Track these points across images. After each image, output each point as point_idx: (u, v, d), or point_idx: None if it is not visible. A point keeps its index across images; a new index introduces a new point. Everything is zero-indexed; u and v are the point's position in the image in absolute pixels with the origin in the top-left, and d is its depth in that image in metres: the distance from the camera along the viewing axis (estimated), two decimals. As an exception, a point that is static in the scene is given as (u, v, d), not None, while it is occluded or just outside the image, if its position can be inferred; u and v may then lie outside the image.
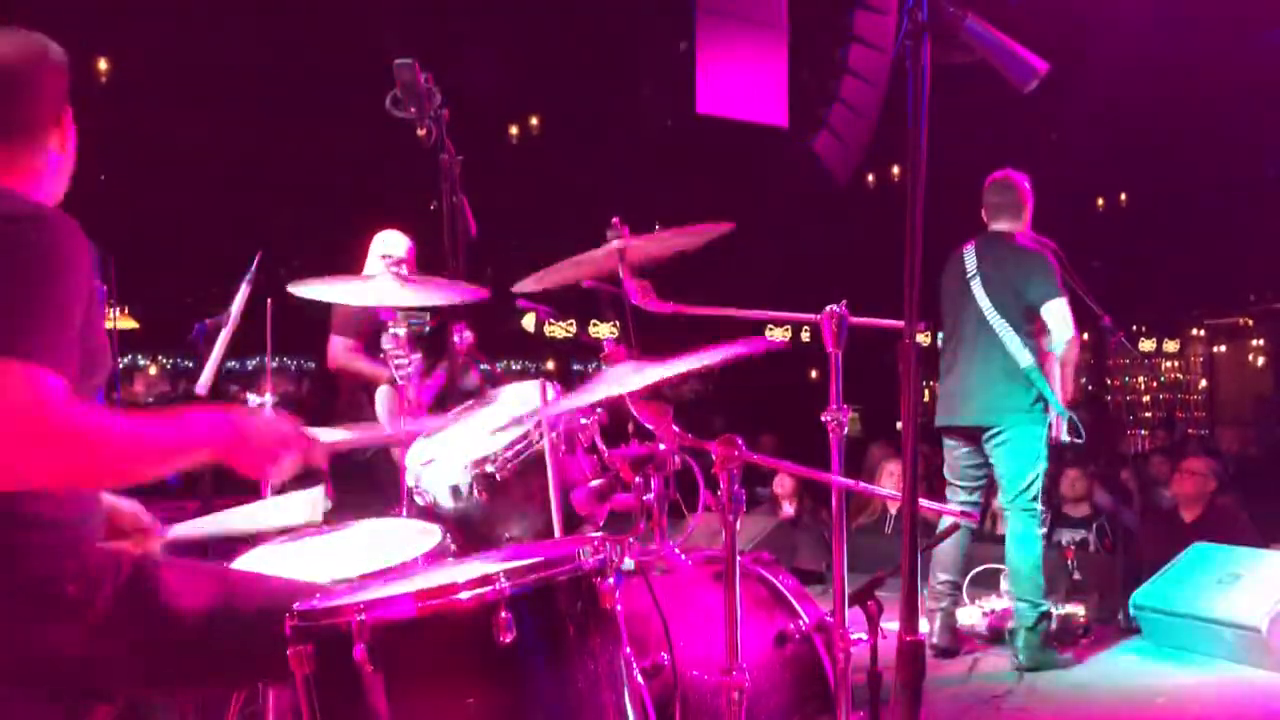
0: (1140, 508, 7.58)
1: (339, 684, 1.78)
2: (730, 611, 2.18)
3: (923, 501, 2.29)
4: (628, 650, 1.95)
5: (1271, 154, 9.12)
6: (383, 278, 2.96)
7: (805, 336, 14.40)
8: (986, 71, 1.82)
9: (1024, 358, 4.75)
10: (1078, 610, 5.30)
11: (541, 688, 1.82)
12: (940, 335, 5.26)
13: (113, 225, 2.16)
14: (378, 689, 1.74)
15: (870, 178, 11.73)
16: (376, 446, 4.18)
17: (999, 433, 4.82)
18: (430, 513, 2.81)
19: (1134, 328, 16.36)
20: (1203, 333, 18.06)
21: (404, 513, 2.91)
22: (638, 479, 2.49)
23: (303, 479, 2.23)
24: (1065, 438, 4.77)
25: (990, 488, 5.16)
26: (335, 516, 2.86)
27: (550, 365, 13.73)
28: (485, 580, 1.77)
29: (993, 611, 5.23)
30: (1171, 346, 18.11)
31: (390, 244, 4.68)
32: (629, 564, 2.40)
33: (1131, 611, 5.24)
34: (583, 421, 2.80)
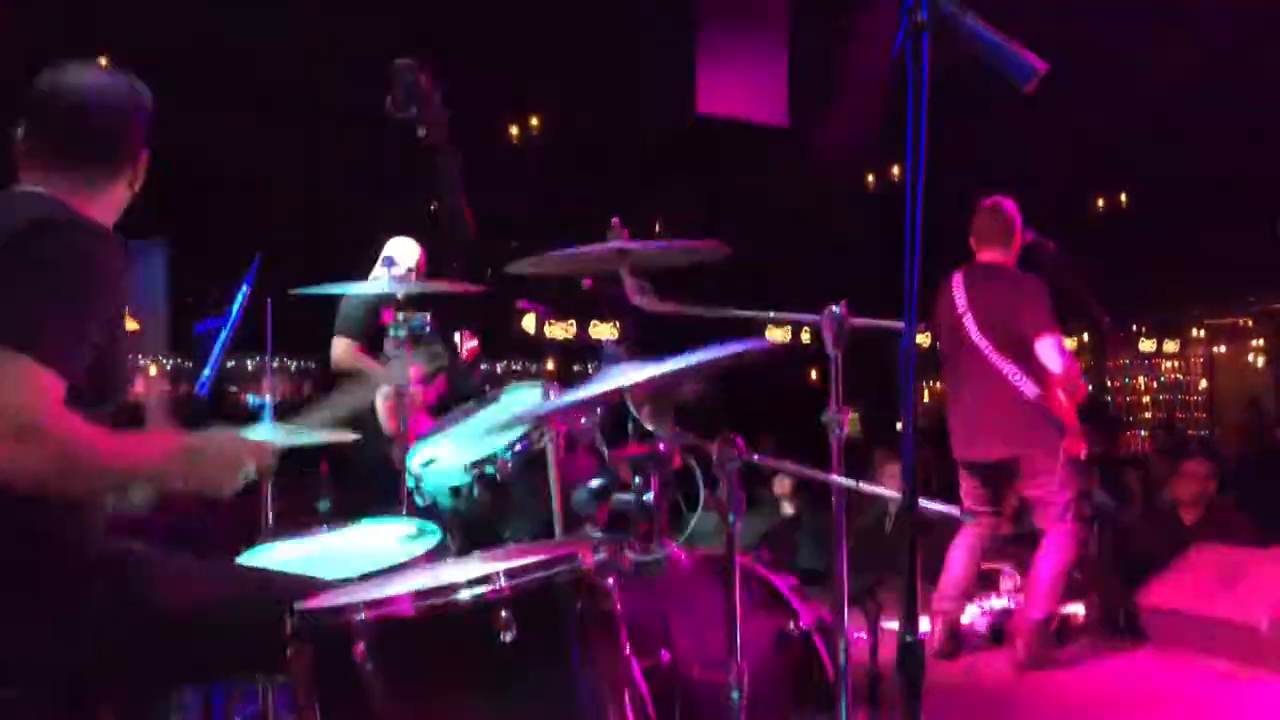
0: (1142, 508, 7.58)
1: (339, 684, 1.78)
2: (730, 611, 2.18)
3: (923, 502, 2.29)
4: (628, 650, 1.95)
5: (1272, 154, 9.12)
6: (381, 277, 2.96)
7: (805, 337, 14.40)
8: (986, 71, 1.82)
9: (1029, 389, 4.73)
10: (1078, 610, 5.29)
11: (541, 688, 1.82)
12: (938, 342, 5.24)
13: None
14: (378, 689, 1.74)
15: (870, 178, 11.72)
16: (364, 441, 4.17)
17: (1024, 465, 4.81)
18: (430, 513, 2.81)
19: (1134, 328, 16.35)
20: (1203, 333, 18.04)
21: (404, 513, 2.91)
22: (638, 479, 2.49)
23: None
24: (1084, 455, 4.78)
25: (1003, 501, 5.18)
26: (335, 516, 2.86)
27: (550, 365, 13.71)
28: (485, 580, 1.77)
29: (993, 611, 5.23)
30: (1171, 346, 18.09)
31: (400, 253, 4.67)
32: (629, 564, 2.40)
33: (1132, 611, 5.24)
34: (583, 422, 2.80)
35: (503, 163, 9.81)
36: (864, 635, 2.57)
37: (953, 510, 4.35)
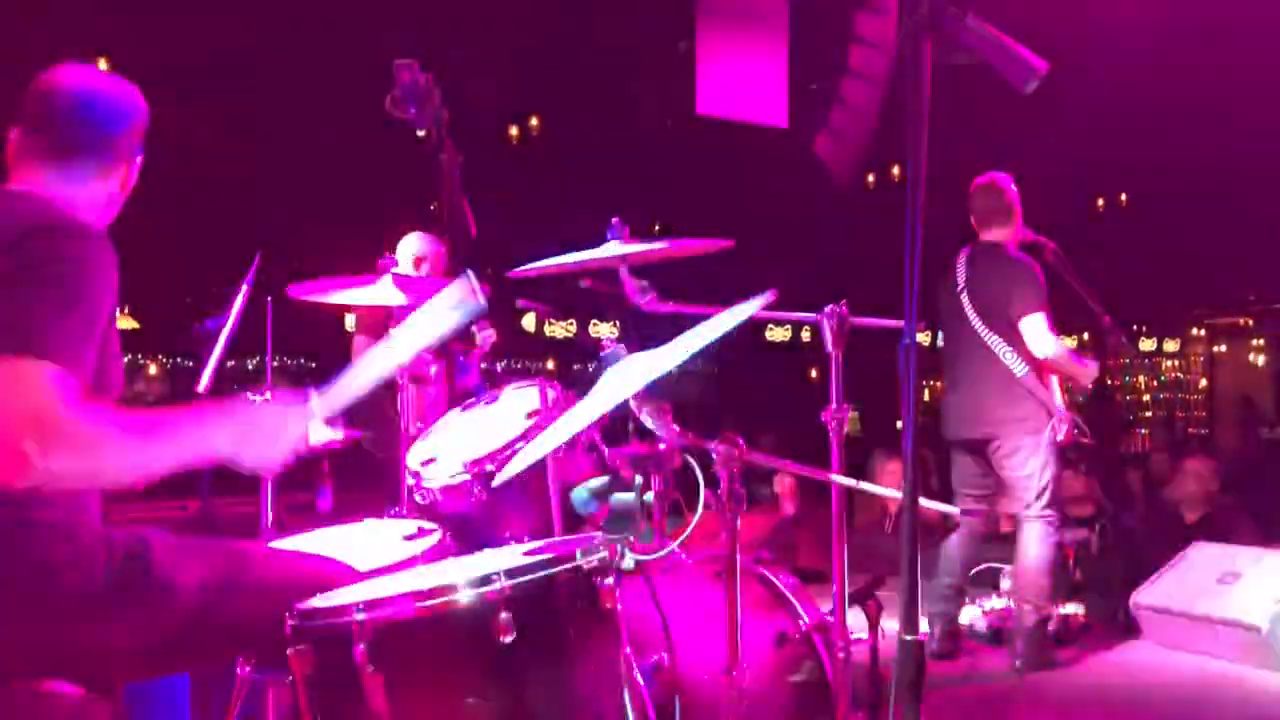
0: (1143, 508, 7.58)
1: (339, 684, 1.78)
2: (730, 611, 2.18)
3: (923, 501, 2.29)
4: (628, 650, 1.95)
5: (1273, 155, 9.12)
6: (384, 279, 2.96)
7: (805, 336, 14.41)
8: (987, 71, 1.82)
9: (1018, 367, 4.74)
10: (1078, 610, 5.29)
11: (541, 688, 1.82)
12: (940, 337, 5.27)
13: (113, 225, 2.18)
14: (378, 689, 1.74)
15: (870, 178, 11.72)
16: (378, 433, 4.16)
17: (1004, 444, 4.81)
18: (430, 513, 2.81)
19: (1134, 328, 16.34)
20: (1203, 333, 18.05)
21: (404, 513, 2.91)
22: (638, 479, 2.49)
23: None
24: (1062, 438, 4.76)
25: (997, 491, 5.17)
26: (335, 516, 2.86)
27: (550, 365, 13.73)
28: (485, 580, 1.77)
29: (993, 611, 5.23)
30: (1171, 346, 18.10)
31: (401, 249, 4.65)
32: (629, 564, 2.40)
33: (1132, 611, 5.24)
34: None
35: (503, 162, 9.82)
36: (864, 635, 2.57)
37: (953, 510, 4.37)
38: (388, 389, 4.51)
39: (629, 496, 2.50)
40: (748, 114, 8.73)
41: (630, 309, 2.74)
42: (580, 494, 2.61)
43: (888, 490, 3.00)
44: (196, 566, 2.03)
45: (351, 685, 1.74)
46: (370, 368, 2.11)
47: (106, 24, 7.75)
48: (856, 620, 2.55)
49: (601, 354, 2.42)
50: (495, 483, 2.49)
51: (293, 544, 2.69)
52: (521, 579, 1.79)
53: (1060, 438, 4.75)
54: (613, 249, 2.64)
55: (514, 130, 10.41)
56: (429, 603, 1.77)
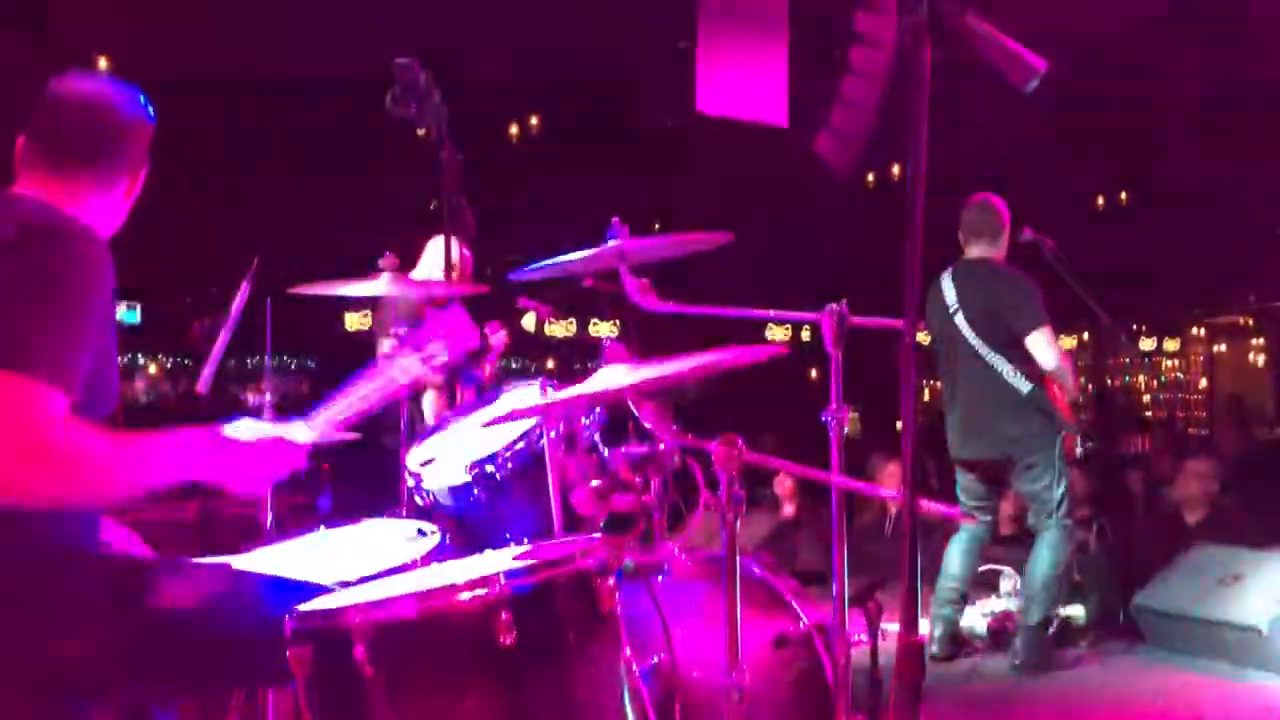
0: (1143, 508, 7.58)
1: (339, 685, 1.77)
2: (730, 612, 2.17)
3: (924, 502, 2.29)
4: (628, 651, 1.95)
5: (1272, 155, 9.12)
6: (382, 277, 2.96)
7: (805, 336, 14.40)
8: (987, 71, 1.82)
9: (1023, 385, 4.73)
10: (1078, 610, 5.29)
11: (542, 689, 1.81)
12: (934, 347, 5.24)
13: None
14: (378, 690, 1.74)
15: (870, 178, 11.72)
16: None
17: (1016, 462, 4.81)
18: (430, 513, 2.81)
19: (1134, 328, 16.34)
20: (1203, 333, 18.05)
21: (404, 513, 2.91)
22: (638, 479, 2.49)
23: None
24: (1080, 451, 4.78)
25: (999, 498, 5.18)
26: (335, 517, 2.85)
27: (550, 365, 13.73)
28: (485, 581, 1.77)
29: (993, 613, 5.23)
30: (1171, 346, 18.10)
31: (427, 254, 4.64)
32: (629, 564, 2.40)
33: (1132, 612, 5.24)
34: (583, 421, 2.80)
35: (503, 162, 9.82)
36: (864, 637, 2.56)
37: (952, 510, 4.37)
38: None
39: (629, 497, 2.50)
40: (748, 113, 8.73)
41: (631, 309, 2.73)
42: (580, 494, 2.60)
43: (888, 491, 3.00)
44: (192, 588, 2.02)
45: (351, 685, 1.74)
46: (361, 391, 2.13)
47: (107, 22, 7.74)
48: (856, 621, 2.55)
49: (601, 354, 2.42)
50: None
51: (292, 546, 2.69)
52: (521, 579, 1.79)
53: (1078, 453, 4.76)
54: (613, 249, 2.63)
55: (514, 130, 10.41)
56: (429, 603, 1.77)
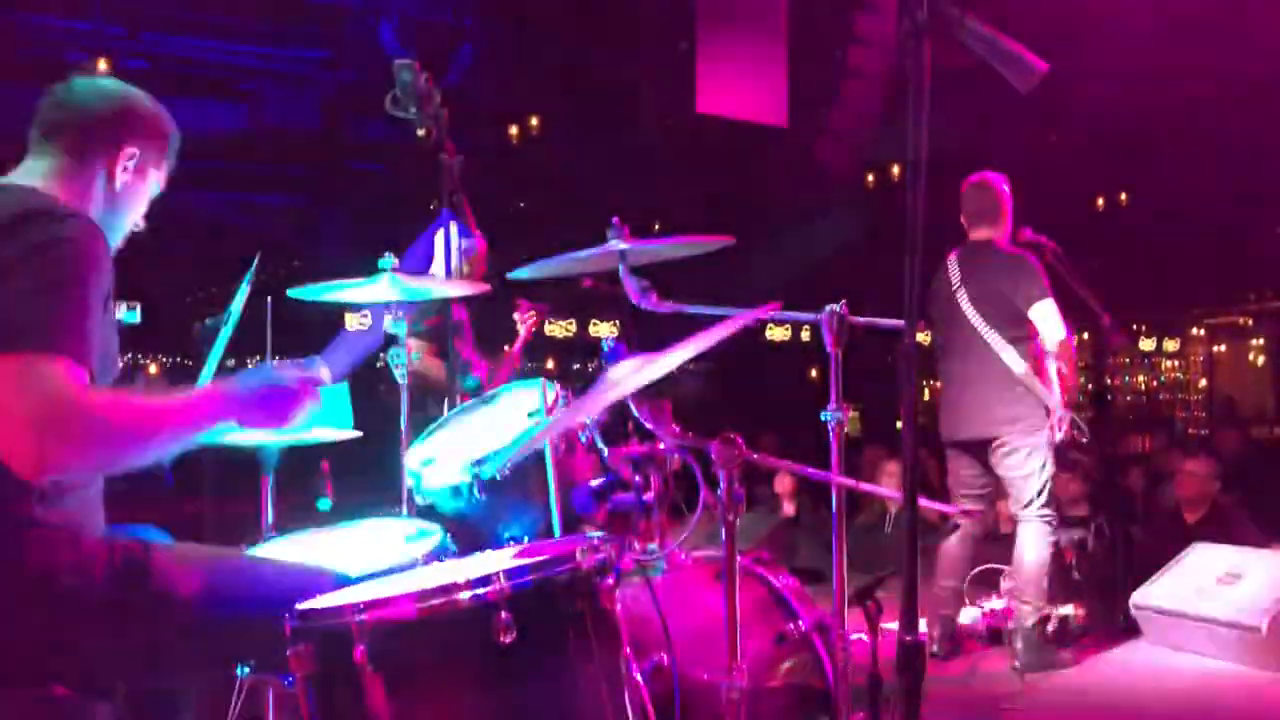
0: (1143, 508, 7.58)
1: (339, 684, 1.77)
2: (730, 611, 2.18)
3: (923, 502, 2.29)
4: (627, 650, 1.95)
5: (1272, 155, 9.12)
6: (382, 277, 2.96)
7: (805, 336, 14.41)
8: (987, 71, 1.82)
9: (1018, 365, 4.74)
10: (1078, 610, 5.29)
11: (541, 688, 1.82)
12: (933, 324, 5.24)
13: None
14: (378, 689, 1.74)
15: (870, 178, 11.73)
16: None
17: (1003, 444, 4.81)
18: (430, 513, 2.81)
19: (1134, 327, 16.34)
20: (1203, 333, 18.06)
21: (404, 513, 2.91)
22: (638, 479, 2.49)
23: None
24: (1060, 435, 4.75)
25: (993, 492, 5.17)
26: (335, 516, 2.86)
27: (550, 365, 13.73)
28: (485, 580, 1.77)
29: (992, 612, 5.23)
30: (1171, 346, 18.11)
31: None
32: (629, 564, 2.40)
33: (1132, 611, 5.24)
34: (583, 421, 2.80)
35: (503, 162, 9.82)
36: (863, 636, 2.57)
37: (952, 510, 4.37)
38: (431, 393, 4.47)
39: (628, 497, 2.50)
40: (748, 113, 8.74)
41: (630, 309, 2.74)
42: (580, 494, 2.61)
43: (888, 490, 3.00)
44: (195, 576, 2.03)
45: (351, 685, 1.74)
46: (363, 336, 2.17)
47: (107, 22, 7.75)
48: (856, 621, 2.55)
49: (602, 353, 2.42)
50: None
51: (292, 546, 2.69)
52: (521, 579, 1.79)
53: (1059, 436, 4.74)
54: (612, 249, 2.64)
55: (514, 130, 10.41)
56: (429, 603, 1.77)
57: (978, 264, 4.92)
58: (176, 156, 2.28)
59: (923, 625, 4.32)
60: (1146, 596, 5.18)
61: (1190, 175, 10.71)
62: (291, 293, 2.98)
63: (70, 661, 1.88)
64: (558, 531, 2.57)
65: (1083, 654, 5.03)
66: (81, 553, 1.92)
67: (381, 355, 3.46)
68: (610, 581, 1.90)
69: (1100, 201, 13.09)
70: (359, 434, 3.17)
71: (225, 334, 3.16)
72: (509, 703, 1.79)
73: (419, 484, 2.86)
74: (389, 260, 2.99)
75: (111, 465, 1.93)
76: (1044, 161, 9.94)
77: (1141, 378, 18.01)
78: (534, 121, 10.41)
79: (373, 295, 3.06)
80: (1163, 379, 18.00)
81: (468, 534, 2.74)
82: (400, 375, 3.17)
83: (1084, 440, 4.89)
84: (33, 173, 2.10)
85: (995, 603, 5.29)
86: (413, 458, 2.94)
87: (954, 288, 4.91)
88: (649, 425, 2.46)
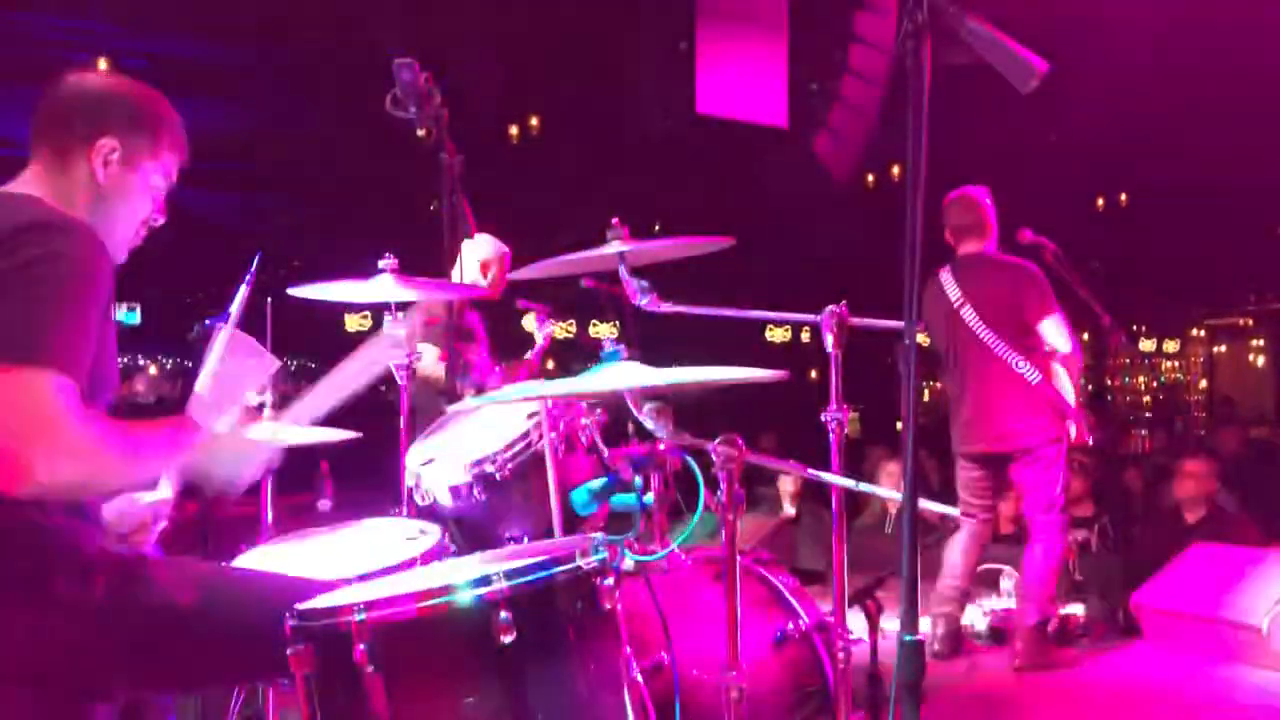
0: (1143, 508, 7.58)
1: (339, 684, 1.78)
2: (730, 611, 2.18)
3: (923, 502, 2.29)
4: (628, 650, 1.95)
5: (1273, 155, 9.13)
6: (382, 278, 2.96)
7: (805, 337, 14.40)
8: (987, 71, 1.82)
9: (1032, 375, 4.73)
10: (1078, 610, 5.30)
11: (541, 688, 1.82)
12: (936, 347, 5.23)
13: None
14: (378, 689, 1.74)
15: (870, 178, 11.73)
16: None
17: (1023, 455, 4.80)
18: (430, 513, 2.81)
19: (1134, 328, 16.35)
20: (1203, 333, 18.07)
21: (404, 513, 2.91)
22: (638, 479, 2.49)
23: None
24: (1074, 438, 4.77)
25: (996, 495, 5.18)
26: (335, 516, 2.85)
27: (550, 365, 13.72)
28: (485, 580, 1.77)
29: (993, 611, 5.23)
30: (1171, 346, 18.11)
31: (480, 250, 4.62)
32: (629, 564, 2.40)
33: (1132, 611, 5.24)
34: (583, 422, 2.80)
35: (503, 162, 9.82)
36: (864, 636, 2.57)
37: (952, 510, 4.37)
38: (441, 397, 4.47)
39: (628, 497, 2.50)
40: (748, 113, 8.74)
41: (630, 309, 2.74)
42: (580, 494, 2.61)
43: (888, 491, 3.00)
44: (191, 587, 2.03)
45: (351, 685, 1.74)
46: (338, 383, 2.17)
47: (106, 22, 7.75)
48: (857, 620, 2.55)
49: (602, 354, 2.42)
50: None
51: (291, 546, 2.69)
52: (521, 579, 1.79)
53: (1074, 437, 4.75)
54: (612, 249, 2.64)
55: (514, 130, 10.41)
56: (429, 603, 1.77)
57: (976, 277, 4.88)
58: (184, 147, 2.22)
59: (924, 625, 4.34)
60: (1147, 596, 5.19)
61: (1190, 175, 10.71)
62: (291, 292, 2.98)
63: (66, 665, 1.88)
64: (558, 531, 2.57)
65: (1083, 654, 5.03)
66: (80, 558, 1.92)
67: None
68: (610, 581, 1.90)
69: (1100, 201, 13.10)
70: (359, 434, 3.17)
71: (225, 334, 3.15)
72: (509, 703, 1.79)
73: (419, 484, 2.86)
74: (389, 260, 2.99)
75: (97, 483, 1.91)
76: (1044, 161, 9.94)
77: (1141, 378, 18.01)
78: (534, 121, 10.41)
79: (373, 295, 3.05)
80: (1163, 379, 18.01)
81: (468, 534, 2.74)
82: (400, 376, 3.17)
83: (1089, 443, 4.90)
84: (26, 179, 2.08)
85: (996, 602, 5.29)
86: (413, 458, 2.94)
87: (955, 303, 4.87)
88: (649, 425, 2.46)
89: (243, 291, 3.20)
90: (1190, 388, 18.10)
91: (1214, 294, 15.45)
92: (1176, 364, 18.20)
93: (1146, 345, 17.46)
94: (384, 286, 2.96)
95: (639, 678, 1.98)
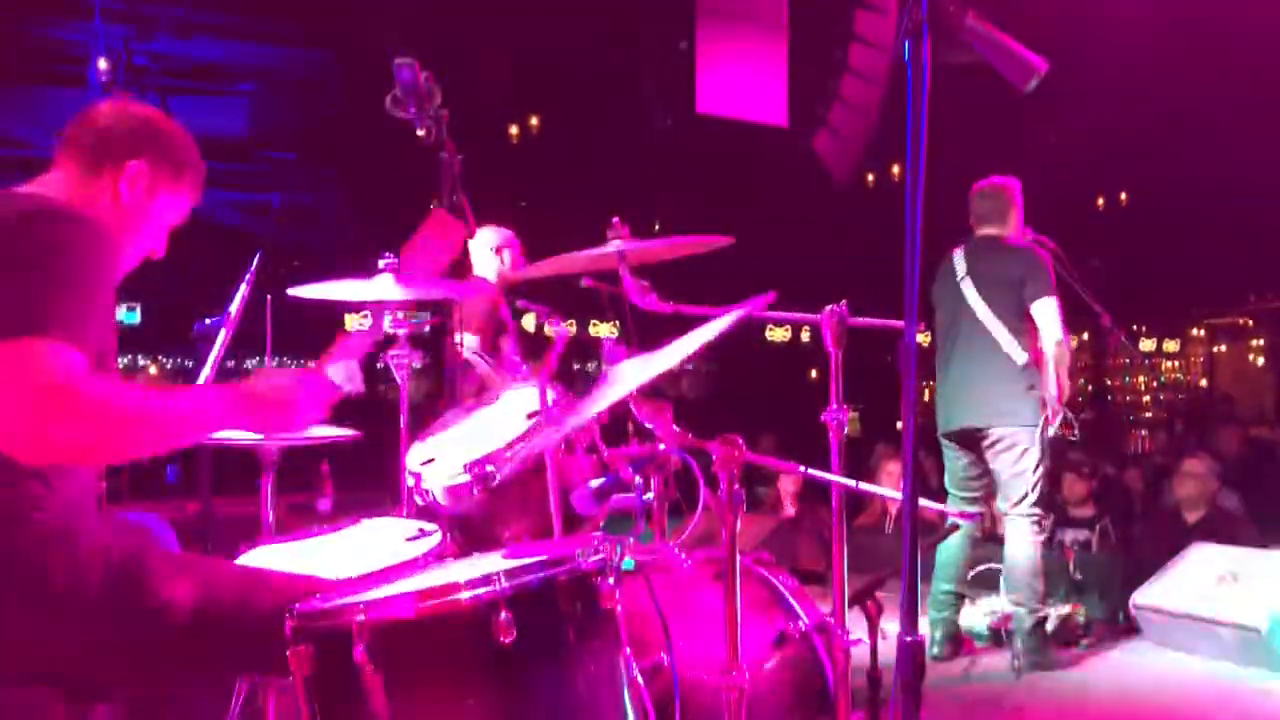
0: (1143, 508, 7.58)
1: (339, 684, 1.77)
2: (730, 611, 2.17)
3: (923, 502, 2.29)
4: (628, 650, 1.95)
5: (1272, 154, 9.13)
6: (381, 277, 2.96)
7: (805, 337, 14.41)
8: (987, 71, 1.82)
9: (1019, 355, 4.75)
10: (1078, 610, 5.30)
11: (541, 688, 1.82)
12: (935, 317, 5.24)
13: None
14: (378, 689, 1.74)
15: (870, 178, 11.73)
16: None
17: (998, 438, 4.81)
18: (430, 513, 2.80)
19: (1134, 327, 16.35)
20: (1203, 333, 18.07)
21: (404, 513, 2.91)
22: (638, 479, 2.49)
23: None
24: (1054, 430, 4.74)
25: (990, 492, 5.17)
26: (335, 517, 2.85)
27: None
28: (485, 580, 1.77)
29: (993, 612, 5.23)
30: (1171, 346, 18.11)
31: (489, 238, 4.62)
32: (629, 564, 2.40)
33: (1132, 611, 5.24)
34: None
35: (503, 162, 9.82)
36: (864, 636, 2.56)
37: (952, 510, 4.37)
38: (480, 390, 4.48)
39: (629, 497, 2.50)
40: (747, 113, 8.74)
41: (630, 309, 2.73)
42: (580, 494, 2.61)
43: (888, 491, 3.00)
44: (189, 583, 2.03)
45: (351, 685, 1.74)
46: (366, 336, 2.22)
47: (105, 22, 7.75)
48: (856, 621, 2.55)
49: (602, 354, 2.42)
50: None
51: (291, 546, 2.69)
52: (521, 579, 1.79)
53: (1052, 430, 4.73)
54: (612, 249, 2.63)
55: (514, 130, 10.41)
56: (429, 603, 1.77)
57: (985, 256, 4.94)
58: (199, 192, 2.30)
59: (923, 625, 4.34)
60: (1146, 596, 5.18)
61: (1191, 175, 10.71)
62: (291, 292, 2.98)
63: (63, 662, 1.88)
64: (558, 531, 2.57)
65: (1083, 654, 5.04)
66: (77, 554, 1.93)
67: (381, 356, 3.45)
68: (610, 581, 1.90)
69: (1100, 201, 13.10)
70: (358, 434, 3.17)
71: (225, 334, 3.16)
72: (509, 703, 1.79)
73: (419, 484, 2.86)
74: (389, 260, 2.99)
75: (112, 452, 1.93)
76: (1044, 161, 9.94)
77: (1141, 378, 18.01)
78: (534, 121, 10.41)
79: (372, 294, 3.05)
80: (1163, 379, 18.00)
81: (468, 534, 2.74)
82: (399, 376, 3.16)
83: (1074, 438, 4.88)
84: (46, 182, 2.14)
85: (995, 603, 5.29)
86: (413, 458, 2.94)
87: (959, 278, 4.93)
88: (649, 425, 2.46)
89: (243, 291, 3.21)
90: (1190, 388, 18.10)
91: (1214, 294, 15.45)
92: (1176, 364, 18.19)
93: (1146, 345, 17.46)
94: (384, 286, 2.96)
95: (639, 678, 1.98)
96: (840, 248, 11.46)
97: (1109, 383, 17.55)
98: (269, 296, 3.24)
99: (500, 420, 2.95)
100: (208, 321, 3.27)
